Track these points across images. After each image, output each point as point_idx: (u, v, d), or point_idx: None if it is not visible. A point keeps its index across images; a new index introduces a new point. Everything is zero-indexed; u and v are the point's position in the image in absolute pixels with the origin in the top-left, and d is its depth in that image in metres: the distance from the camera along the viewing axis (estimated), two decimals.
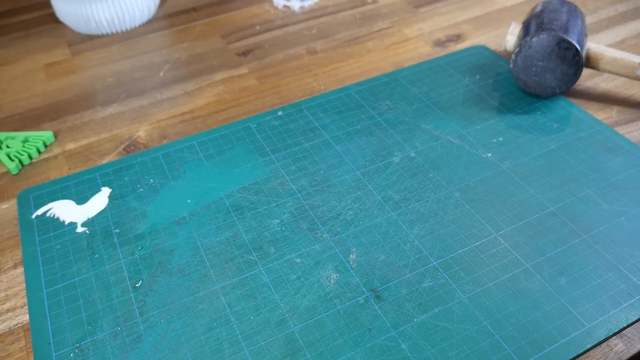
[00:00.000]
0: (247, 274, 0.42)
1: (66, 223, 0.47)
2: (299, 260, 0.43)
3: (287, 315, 0.39)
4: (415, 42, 0.69)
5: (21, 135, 0.56)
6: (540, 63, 0.55)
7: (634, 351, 0.37)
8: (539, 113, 0.56)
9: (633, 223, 0.45)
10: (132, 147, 0.55)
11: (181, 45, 0.71)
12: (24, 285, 0.43)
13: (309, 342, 0.38)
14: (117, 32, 0.74)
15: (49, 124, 0.59)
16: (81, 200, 0.49)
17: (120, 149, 0.55)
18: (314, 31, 0.73)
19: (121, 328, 0.39)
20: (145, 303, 0.41)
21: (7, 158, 0.54)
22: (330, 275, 0.42)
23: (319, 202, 0.48)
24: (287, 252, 0.44)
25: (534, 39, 0.54)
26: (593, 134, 0.53)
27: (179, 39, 0.73)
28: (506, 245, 0.43)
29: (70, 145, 0.56)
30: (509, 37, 0.60)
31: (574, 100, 0.58)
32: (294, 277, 0.42)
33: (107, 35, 0.74)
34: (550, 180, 0.49)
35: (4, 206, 0.50)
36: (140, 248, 0.45)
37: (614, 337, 0.38)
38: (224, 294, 0.41)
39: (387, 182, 0.49)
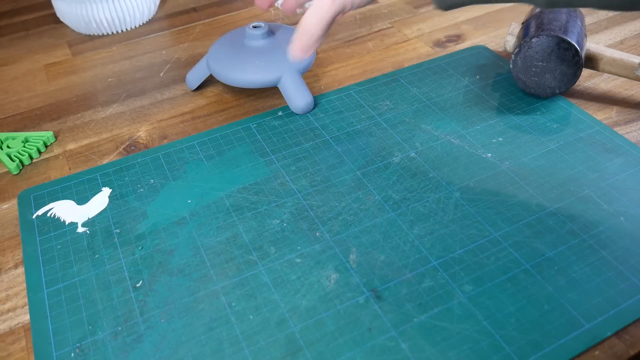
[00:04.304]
0: (247, 274, 0.42)
1: (67, 223, 0.47)
2: (299, 260, 0.43)
3: (287, 315, 0.40)
4: (415, 42, 0.69)
5: (22, 135, 0.56)
6: (540, 63, 0.55)
7: (633, 351, 0.37)
8: (538, 113, 0.56)
9: (632, 223, 0.45)
10: (132, 147, 0.55)
11: (181, 45, 0.71)
12: (24, 285, 0.43)
13: (309, 342, 0.38)
14: (117, 33, 0.75)
15: (49, 124, 0.59)
16: (82, 200, 0.49)
17: (120, 149, 0.55)
18: None
19: (122, 328, 0.39)
20: (145, 303, 0.41)
21: (7, 158, 0.54)
22: (330, 275, 0.42)
23: (319, 202, 0.48)
24: (287, 252, 0.44)
25: (534, 40, 0.54)
26: (592, 134, 0.53)
27: (179, 39, 0.73)
28: (506, 245, 0.43)
29: (71, 146, 0.56)
30: (509, 37, 0.60)
31: (573, 101, 0.58)
32: (294, 277, 0.42)
33: (108, 35, 0.74)
34: (549, 180, 0.49)
35: (5, 206, 0.50)
36: (140, 248, 0.45)
37: (613, 337, 0.38)
38: (224, 293, 0.41)
39: (387, 182, 0.49)
